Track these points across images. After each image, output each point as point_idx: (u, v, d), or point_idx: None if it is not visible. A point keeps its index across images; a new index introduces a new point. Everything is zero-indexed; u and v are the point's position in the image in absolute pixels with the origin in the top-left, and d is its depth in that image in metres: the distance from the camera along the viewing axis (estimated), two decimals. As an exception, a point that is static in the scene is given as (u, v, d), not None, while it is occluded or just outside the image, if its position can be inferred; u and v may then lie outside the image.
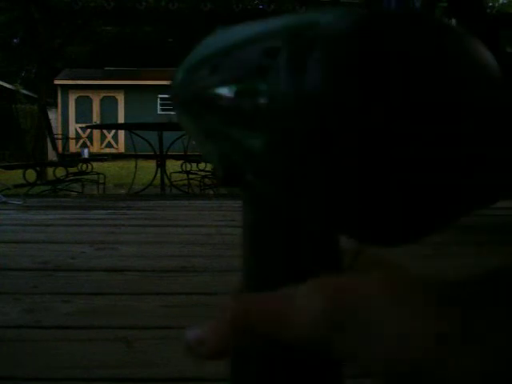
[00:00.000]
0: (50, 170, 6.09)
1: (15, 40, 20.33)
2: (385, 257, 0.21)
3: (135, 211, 3.39)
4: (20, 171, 5.18)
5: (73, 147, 14.34)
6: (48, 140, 6.11)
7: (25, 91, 16.00)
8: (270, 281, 0.22)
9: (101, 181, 5.70)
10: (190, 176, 5.50)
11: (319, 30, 0.17)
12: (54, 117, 14.27)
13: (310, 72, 0.17)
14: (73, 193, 5.10)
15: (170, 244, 2.27)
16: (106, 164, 7.99)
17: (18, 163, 5.69)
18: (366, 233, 0.18)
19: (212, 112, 0.21)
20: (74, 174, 5.70)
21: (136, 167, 5.56)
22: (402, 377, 0.17)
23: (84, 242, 2.32)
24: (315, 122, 0.17)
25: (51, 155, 7.11)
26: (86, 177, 5.76)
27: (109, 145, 17.31)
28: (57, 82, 16.75)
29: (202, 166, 5.73)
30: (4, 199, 3.83)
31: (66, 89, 17.49)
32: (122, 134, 16.62)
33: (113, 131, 16.98)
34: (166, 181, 5.29)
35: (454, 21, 3.51)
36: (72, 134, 15.96)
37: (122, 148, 16.98)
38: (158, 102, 17.41)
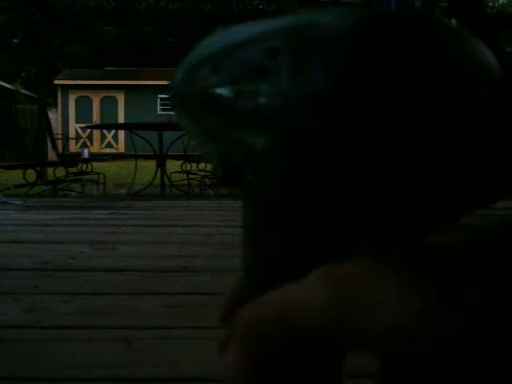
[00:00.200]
0: (50, 170, 6.10)
1: (15, 40, 20.35)
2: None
3: (135, 211, 3.39)
4: (20, 171, 5.19)
5: (73, 147, 14.35)
6: (48, 140, 6.12)
7: (25, 91, 16.01)
8: (270, 281, 0.22)
9: (101, 181, 5.71)
10: (190, 176, 5.50)
11: (319, 30, 0.17)
12: (54, 117, 14.28)
13: (310, 72, 0.17)
14: (73, 193, 5.10)
15: (170, 244, 2.27)
16: (106, 164, 7.99)
17: (18, 163, 5.70)
18: (366, 232, 0.18)
19: (212, 112, 0.21)
20: (74, 173, 5.71)
21: (136, 167, 5.56)
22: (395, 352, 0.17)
23: (84, 241, 2.32)
24: (316, 122, 0.17)
25: (51, 155, 7.12)
26: (85, 177, 5.77)
27: (109, 145, 17.32)
28: (57, 82, 16.75)
29: (202, 165, 5.74)
30: (4, 199, 3.83)
31: (66, 89, 17.50)
32: (121, 134, 16.63)
33: (113, 131, 17.00)
34: (166, 181, 5.29)
35: (454, 21, 3.51)
36: (72, 134, 15.98)
37: (122, 148, 16.99)
38: (158, 102, 17.42)
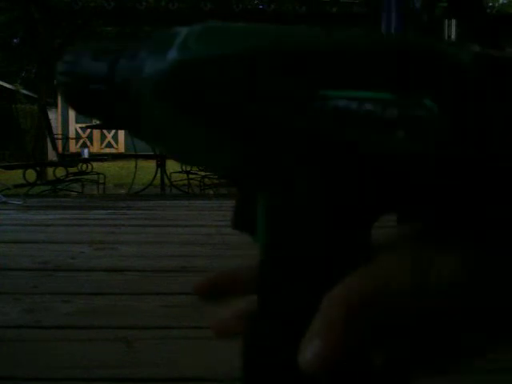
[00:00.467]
0: (50, 170, 6.09)
1: (15, 40, 20.34)
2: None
3: (135, 211, 3.39)
4: (20, 171, 5.18)
5: (73, 147, 14.34)
6: (48, 140, 6.11)
7: (25, 91, 16.00)
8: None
9: (101, 181, 5.70)
10: (190, 176, 5.50)
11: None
12: (54, 117, 14.28)
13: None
14: (73, 193, 5.10)
15: (170, 244, 2.27)
16: (105, 164, 7.98)
17: (18, 163, 5.68)
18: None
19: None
20: (74, 173, 5.70)
21: (136, 167, 5.56)
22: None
23: (84, 241, 2.32)
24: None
25: (51, 155, 7.11)
26: (85, 177, 5.76)
27: (109, 145, 17.30)
28: (57, 81, 16.72)
29: (201, 166, 5.72)
30: (4, 199, 3.83)
31: (66, 89, 17.46)
32: (121, 133, 16.61)
33: (113, 131, 16.98)
34: (166, 181, 5.29)
35: (454, 21, 3.52)
36: (72, 134, 15.96)
37: (121, 148, 16.98)
38: (158, 101, 17.39)
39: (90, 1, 8.35)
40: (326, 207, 0.21)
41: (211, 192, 5.09)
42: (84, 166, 5.96)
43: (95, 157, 7.93)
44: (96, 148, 16.75)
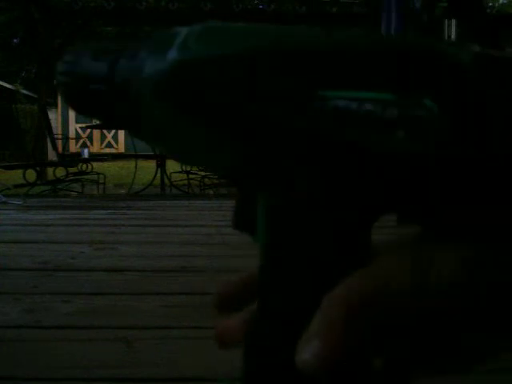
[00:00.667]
0: (50, 170, 6.09)
1: (15, 40, 20.33)
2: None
3: (135, 211, 3.39)
4: (20, 171, 5.18)
5: (73, 147, 14.34)
6: (48, 140, 6.11)
7: (25, 91, 16.00)
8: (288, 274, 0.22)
9: (101, 181, 5.70)
10: (190, 176, 5.49)
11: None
12: (54, 117, 14.27)
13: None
14: (73, 193, 5.10)
15: (170, 244, 2.27)
16: (106, 164, 7.98)
17: (18, 163, 5.69)
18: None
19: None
20: (74, 173, 5.70)
21: (136, 167, 5.56)
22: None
23: (84, 241, 2.32)
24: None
25: (51, 155, 7.11)
26: (85, 177, 5.76)
27: (109, 145, 17.30)
28: (57, 81, 16.72)
29: (201, 165, 5.72)
30: (4, 199, 3.83)
31: (66, 89, 17.46)
32: (122, 133, 16.61)
33: (113, 131, 16.97)
34: (166, 181, 5.29)
35: (454, 21, 3.52)
36: (72, 134, 15.95)
37: (121, 148, 16.98)
38: (158, 101, 17.39)
39: (90, 1, 8.35)
40: (326, 207, 0.21)
41: (211, 192, 5.09)
42: (84, 166, 5.96)
43: (95, 157, 7.92)
44: (96, 148, 16.74)
